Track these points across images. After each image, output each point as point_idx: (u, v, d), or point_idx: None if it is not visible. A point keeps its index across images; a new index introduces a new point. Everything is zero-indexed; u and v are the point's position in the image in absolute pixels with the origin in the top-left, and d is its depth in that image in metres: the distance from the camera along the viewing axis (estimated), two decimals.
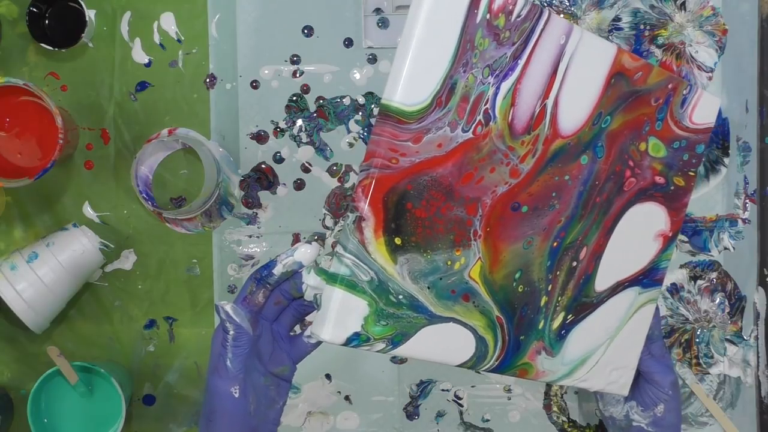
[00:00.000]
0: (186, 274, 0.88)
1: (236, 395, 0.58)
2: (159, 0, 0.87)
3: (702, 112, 0.72)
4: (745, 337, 0.88)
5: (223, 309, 0.58)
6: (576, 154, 0.66)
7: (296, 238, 0.88)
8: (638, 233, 0.71)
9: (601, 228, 0.69)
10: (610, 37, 0.86)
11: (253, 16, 0.87)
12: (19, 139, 0.84)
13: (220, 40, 0.87)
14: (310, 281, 0.61)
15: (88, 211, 0.88)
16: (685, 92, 0.71)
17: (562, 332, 0.69)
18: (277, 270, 0.60)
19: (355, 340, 0.59)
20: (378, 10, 0.86)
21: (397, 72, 0.57)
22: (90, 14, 0.85)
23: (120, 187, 0.88)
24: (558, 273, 0.67)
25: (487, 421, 0.89)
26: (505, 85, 0.61)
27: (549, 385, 0.89)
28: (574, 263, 0.68)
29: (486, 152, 0.62)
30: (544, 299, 0.67)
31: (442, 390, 0.89)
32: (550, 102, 0.63)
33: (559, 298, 0.68)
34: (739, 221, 0.88)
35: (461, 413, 0.89)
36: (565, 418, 0.89)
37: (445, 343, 0.64)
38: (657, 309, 0.74)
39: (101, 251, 0.86)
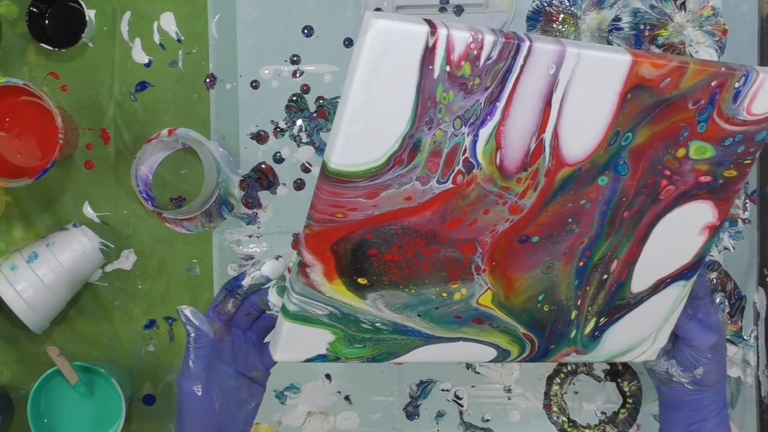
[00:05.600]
0: (186, 274, 0.88)
1: (199, 393, 0.60)
2: (159, 0, 0.87)
3: (765, 99, 0.59)
4: (745, 337, 0.88)
5: (183, 313, 0.61)
6: (591, 178, 0.58)
7: (296, 238, 0.88)
8: (680, 233, 0.64)
9: (632, 239, 0.63)
10: (610, 37, 0.86)
11: (253, 16, 0.87)
12: (19, 139, 0.84)
13: (220, 40, 0.87)
14: (272, 299, 0.63)
15: (88, 211, 0.88)
16: (738, 85, 0.58)
17: (596, 334, 0.66)
18: (246, 282, 0.62)
19: (320, 359, 0.60)
20: (378, 11, 0.86)
21: (334, 132, 0.51)
22: (90, 14, 0.85)
23: (120, 187, 0.88)
24: (587, 288, 0.63)
25: (487, 421, 0.89)
26: (485, 132, 0.54)
27: (549, 385, 0.89)
28: (605, 276, 0.63)
29: (474, 197, 0.56)
30: (574, 313, 0.64)
31: (442, 390, 0.89)
32: (547, 135, 0.55)
33: (590, 308, 0.65)
34: (739, 221, 0.88)
35: (461, 413, 0.89)
36: (565, 418, 0.89)
37: (452, 356, 0.63)
38: (701, 268, 0.68)
39: (101, 251, 0.86)
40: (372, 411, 0.89)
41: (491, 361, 0.65)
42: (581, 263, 0.62)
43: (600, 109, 0.55)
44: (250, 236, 0.88)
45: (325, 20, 0.87)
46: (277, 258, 0.63)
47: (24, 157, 0.85)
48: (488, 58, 0.51)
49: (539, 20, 0.86)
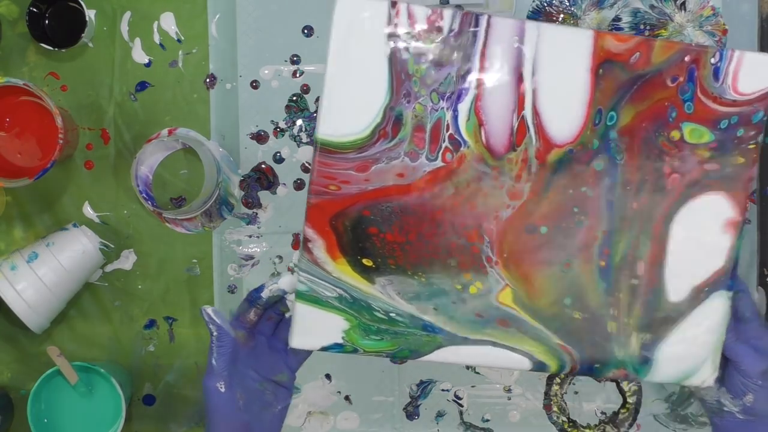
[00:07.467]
0: (186, 274, 0.88)
1: (222, 390, 0.63)
2: (159, 0, 0.87)
3: (750, 77, 0.60)
4: None
5: (205, 311, 0.64)
6: (586, 161, 0.60)
7: (296, 238, 0.88)
8: (701, 230, 0.62)
9: (651, 237, 0.61)
10: None
11: (253, 16, 0.87)
12: (19, 139, 0.84)
13: (220, 40, 0.87)
14: (284, 285, 0.66)
15: (88, 211, 0.88)
16: (714, 61, 0.59)
17: (645, 355, 0.63)
18: (265, 294, 0.65)
19: (337, 349, 0.62)
20: None
21: (320, 104, 0.58)
22: (90, 14, 0.85)
23: (120, 187, 0.88)
24: (619, 295, 0.62)
25: (487, 421, 0.89)
26: (463, 107, 0.58)
27: (549, 385, 0.89)
28: (634, 281, 0.62)
29: (468, 178, 0.59)
30: (611, 325, 0.62)
31: (442, 390, 0.89)
32: (528, 112, 0.58)
33: (627, 320, 0.62)
34: None
35: (461, 413, 0.89)
36: (565, 418, 0.89)
37: (480, 360, 0.63)
38: (745, 288, 0.65)
39: (101, 251, 0.86)
40: (372, 411, 0.89)
41: (530, 371, 0.65)
42: (602, 263, 0.61)
43: (574, 85, 0.58)
44: (250, 236, 0.88)
45: (325, 20, 0.87)
46: (293, 272, 0.65)
47: (24, 157, 0.85)
48: (450, 30, 0.57)
49: (539, 20, 0.86)
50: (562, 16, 0.86)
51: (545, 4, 0.86)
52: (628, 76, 0.59)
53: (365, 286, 0.61)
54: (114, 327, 0.89)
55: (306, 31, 0.87)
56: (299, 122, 0.87)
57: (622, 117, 0.60)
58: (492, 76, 0.57)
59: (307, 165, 0.87)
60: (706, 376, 0.64)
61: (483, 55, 0.57)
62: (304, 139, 0.87)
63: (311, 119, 0.87)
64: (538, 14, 0.86)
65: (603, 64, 0.58)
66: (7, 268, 0.82)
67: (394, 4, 0.56)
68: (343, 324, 0.61)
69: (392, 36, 0.56)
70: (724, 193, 0.62)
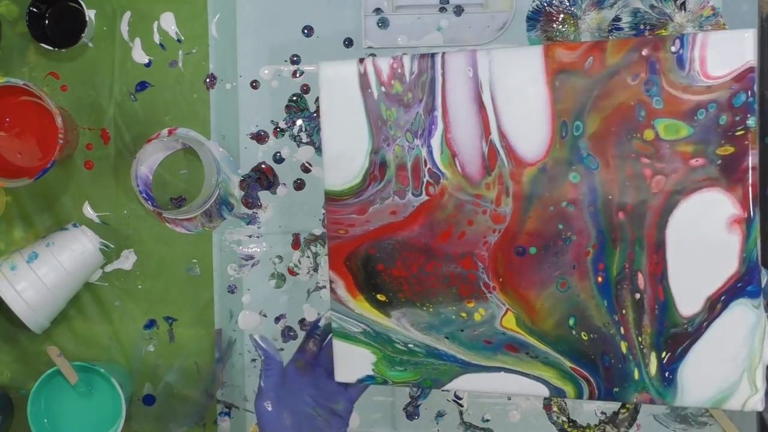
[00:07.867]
0: (186, 274, 0.88)
1: (269, 409, 0.69)
2: (159, 0, 0.87)
3: (720, 57, 0.55)
4: None
5: (253, 338, 0.72)
6: (560, 176, 0.59)
7: (296, 238, 0.88)
8: (702, 233, 0.57)
9: (645, 245, 0.58)
10: (609, 37, 0.86)
11: (253, 16, 0.87)
12: (19, 139, 0.84)
13: (220, 40, 0.87)
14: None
15: (88, 211, 0.88)
16: (675, 49, 0.56)
17: (667, 375, 0.59)
18: (322, 323, 0.73)
19: (370, 380, 0.67)
20: (378, 10, 0.86)
21: (323, 158, 0.66)
22: (90, 14, 0.85)
23: (120, 187, 0.88)
24: (623, 312, 0.59)
25: (487, 421, 0.89)
26: (435, 141, 0.62)
27: None
28: (637, 295, 0.58)
29: (452, 208, 0.62)
30: (624, 345, 0.59)
31: (442, 390, 0.89)
32: (495, 136, 0.60)
33: (640, 339, 0.59)
34: None
35: (461, 413, 0.89)
36: (565, 418, 0.89)
37: (498, 387, 0.64)
38: None
39: (101, 251, 0.86)
40: (372, 411, 0.89)
41: (549, 397, 0.66)
42: (599, 278, 0.60)
43: (533, 102, 0.59)
44: (250, 236, 0.88)
45: (325, 20, 0.87)
46: (296, 275, 0.73)
47: (24, 157, 0.85)
48: (412, 72, 0.62)
49: (539, 20, 0.86)
50: (562, 16, 0.86)
51: (545, 4, 0.86)
52: (585, 83, 0.58)
53: (383, 320, 0.65)
54: (114, 327, 0.89)
55: (306, 31, 0.87)
56: (299, 122, 0.87)
57: (589, 125, 0.58)
58: (455, 108, 0.61)
59: (307, 165, 0.87)
60: (746, 396, 0.58)
61: (443, 89, 0.62)
62: (304, 139, 0.87)
63: (311, 119, 0.87)
64: (538, 14, 0.86)
65: (557, 75, 0.59)
66: (7, 268, 0.82)
67: (361, 60, 0.63)
68: (371, 357, 0.66)
69: (364, 88, 0.63)
70: (720, 188, 0.56)
